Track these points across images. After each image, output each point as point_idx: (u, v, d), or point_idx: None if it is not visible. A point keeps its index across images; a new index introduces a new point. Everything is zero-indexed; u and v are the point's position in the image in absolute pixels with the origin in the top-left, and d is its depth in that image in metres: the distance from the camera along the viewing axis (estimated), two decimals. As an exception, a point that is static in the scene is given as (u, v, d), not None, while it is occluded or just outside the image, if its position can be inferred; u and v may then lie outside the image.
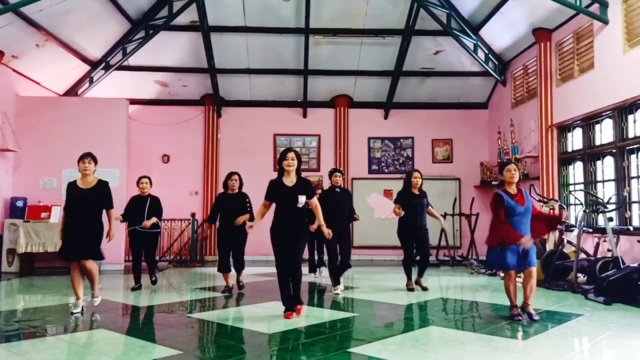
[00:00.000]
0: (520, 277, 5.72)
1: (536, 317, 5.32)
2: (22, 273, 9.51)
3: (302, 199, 5.39)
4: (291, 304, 5.52)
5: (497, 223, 5.34)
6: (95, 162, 5.91)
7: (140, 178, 7.77)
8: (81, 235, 5.62)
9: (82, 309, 5.75)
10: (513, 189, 5.40)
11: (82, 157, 5.83)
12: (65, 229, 5.75)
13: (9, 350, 4.26)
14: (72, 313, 5.67)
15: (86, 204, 5.70)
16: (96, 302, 5.97)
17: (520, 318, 5.32)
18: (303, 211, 5.50)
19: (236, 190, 7.28)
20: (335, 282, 7.24)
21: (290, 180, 5.47)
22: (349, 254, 7.44)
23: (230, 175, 7.33)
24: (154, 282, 7.85)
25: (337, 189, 7.37)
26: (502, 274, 6.22)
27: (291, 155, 5.48)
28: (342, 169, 12.57)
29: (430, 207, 7.56)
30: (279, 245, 5.46)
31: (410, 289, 7.42)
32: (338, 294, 7.07)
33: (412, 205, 7.31)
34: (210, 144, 12.62)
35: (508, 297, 5.49)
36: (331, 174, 7.54)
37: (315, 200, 5.61)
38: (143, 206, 7.53)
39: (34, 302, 6.88)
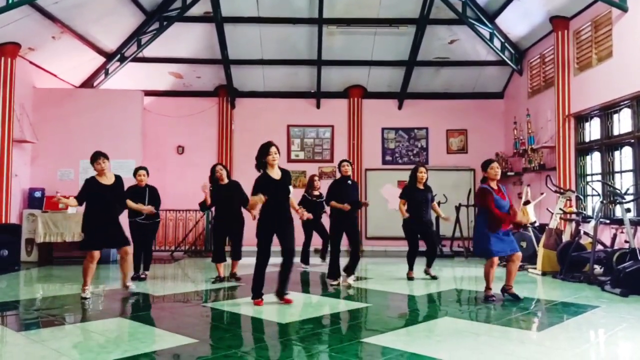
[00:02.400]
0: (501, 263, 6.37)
1: (521, 297, 5.90)
2: (40, 262, 9.66)
3: (291, 189, 5.75)
4: (261, 293, 5.72)
5: (491, 213, 5.80)
6: (108, 159, 6.31)
7: (137, 169, 7.79)
8: (114, 226, 6.21)
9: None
10: (495, 185, 5.98)
11: (97, 157, 6.20)
12: (91, 222, 6.13)
13: (29, 338, 4.35)
14: (84, 298, 6.00)
15: (111, 198, 6.21)
16: (133, 288, 6.51)
17: (494, 299, 5.86)
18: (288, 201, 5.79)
19: (225, 180, 7.39)
20: (348, 270, 7.20)
21: (275, 173, 5.66)
22: (358, 245, 7.24)
23: (214, 167, 7.52)
24: (142, 279, 7.54)
25: (349, 181, 7.30)
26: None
27: (274, 149, 5.65)
28: (355, 160, 12.60)
29: (434, 202, 7.68)
30: (270, 236, 5.60)
31: (410, 277, 7.58)
32: (347, 285, 7.05)
33: (416, 200, 7.41)
34: (224, 135, 12.66)
35: (487, 280, 5.99)
36: (340, 164, 7.47)
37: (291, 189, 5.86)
38: (142, 197, 7.55)
39: (52, 291, 7.01)
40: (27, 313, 5.54)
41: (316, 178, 8.91)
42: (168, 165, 12.11)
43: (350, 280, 7.16)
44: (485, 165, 6.11)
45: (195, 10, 10.78)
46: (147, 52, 11.48)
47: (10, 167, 9.30)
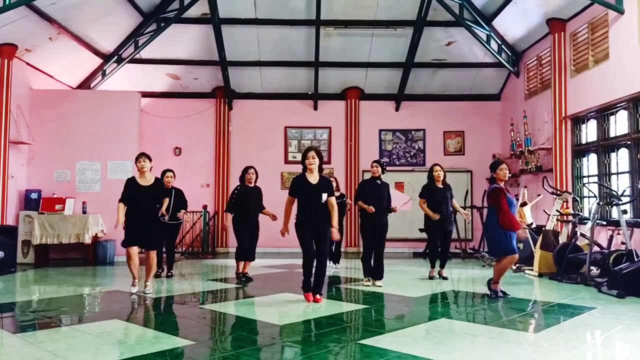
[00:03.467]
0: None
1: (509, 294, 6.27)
2: (37, 264, 9.64)
3: (324, 197, 5.79)
4: (309, 288, 5.89)
5: (504, 212, 5.96)
6: (150, 159, 6.51)
7: (165, 171, 8.03)
8: (147, 228, 6.34)
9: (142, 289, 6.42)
10: (503, 185, 6.15)
11: (138, 157, 6.47)
12: (128, 220, 6.35)
13: (25, 340, 4.33)
14: (132, 293, 6.37)
15: (148, 200, 6.33)
16: (150, 290, 6.47)
17: (502, 296, 6.14)
18: (326, 205, 5.83)
19: (253, 184, 7.71)
20: (375, 276, 7.18)
21: (313, 177, 5.83)
22: (382, 254, 7.16)
23: (247, 169, 7.75)
24: (169, 276, 8.00)
25: (378, 181, 7.22)
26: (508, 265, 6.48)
27: (311, 154, 5.83)
28: (352, 161, 12.62)
29: (453, 200, 7.77)
30: (307, 234, 5.78)
31: (431, 277, 7.77)
32: (370, 285, 7.12)
33: (436, 199, 7.57)
34: (221, 137, 12.65)
35: (500, 276, 6.21)
36: (371, 165, 7.46)
37: (333, 200, 5.88)
38: (169, 199, 7.68)
39: (48, 293, 6.97)
40: (23, 315, 5.52)
41: (332, 179, 8.85)
42: (165, 166, 11.86)
43: (379, 283, 7.11)
44: (495, 166, 6.27)
45: (192, 12, 10.79)
46: (145, 53, 11.47)
47: (6, 169, 9.27)
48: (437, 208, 7.53)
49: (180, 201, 8.08)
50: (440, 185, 7.66)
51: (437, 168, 7.71)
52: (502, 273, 6.24)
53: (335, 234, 5.88)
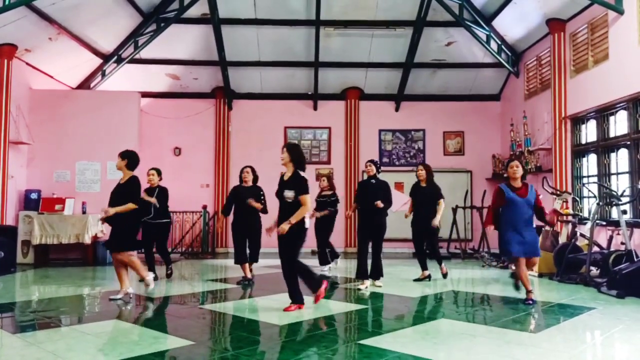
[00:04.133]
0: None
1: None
2: (36, 264, 9.63)
3: (288, 194, 5.28)
4: (295, 298, 5.48)
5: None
6: (124, 157, 6.16)
7: (149, 170, 7.78)
8: (113, 227, 6.13)
9: (129, 297, 6.09)
10: (517, 183, 6.02)
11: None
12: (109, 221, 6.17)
13: (25, 340, 4.33)
14: (111, 299, 6.02)
15: (116, 199, 6.01)
16: (150, 287, 6.36)
17: (531, 303, 5.71)
18: (294, 207, 5.28)
19: (250, 183, 7.49)
20: (373, 275, 7.04)
21: (287, 174, 5.47)
22: (379, 254, 7.03)
23: (243, 169, 7.60)
24: (169, 275, 7.88)
25: (373, 180, 7.11)
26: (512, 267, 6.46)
27: (284, 149, 5.46)
28: (352, 162, 12.62)
29: (439, 200, 7.48)
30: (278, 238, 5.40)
31: (417, 279, 7.63)
32: (365, 289, 6.92)
33: (417, 199, 7.61)
34: (221, 137, 12.65)
35: (523, 283, 5.89)
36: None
37: (305, 198, 5.28)
38: (151, 197, 7.54)
39: (48, 293, 6.98)
40: (23, 315, 5.52)
41: (324, 179, 8.83)
42: (165, 166, 11.96)
43: (379, 283, 7.05)
44: (506, 165, 6.29)
45: (192, 12, 10.79)
46: (144, 53, 11.47)
47: (6, 169, 9.27)
48: (418, 208, 7.56)
49: (161, 199, 7.62)
50: (423, 185, 7.60)
51: (420, 167, 7.73)
52: (522, 281, 5.90)
53: (280, 228, 5.19)
